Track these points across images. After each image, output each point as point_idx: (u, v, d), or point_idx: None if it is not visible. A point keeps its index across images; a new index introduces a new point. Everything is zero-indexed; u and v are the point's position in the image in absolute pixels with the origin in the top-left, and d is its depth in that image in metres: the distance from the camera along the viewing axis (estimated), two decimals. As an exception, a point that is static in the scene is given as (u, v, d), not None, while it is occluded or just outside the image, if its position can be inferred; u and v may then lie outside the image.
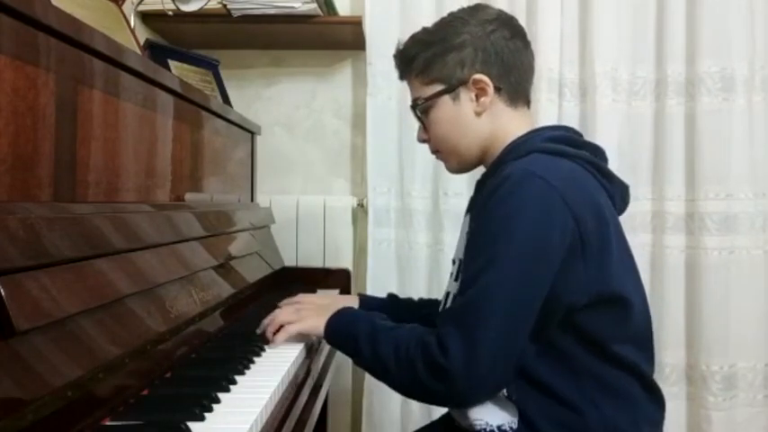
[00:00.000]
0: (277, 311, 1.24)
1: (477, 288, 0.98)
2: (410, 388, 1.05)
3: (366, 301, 1.44)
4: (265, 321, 1.22)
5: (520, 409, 1.04)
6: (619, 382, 1.06)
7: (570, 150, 1.09)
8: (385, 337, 1.06)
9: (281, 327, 1.19)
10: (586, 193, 1.04)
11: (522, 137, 1.13)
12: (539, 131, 1.14)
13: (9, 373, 0.65)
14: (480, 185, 1.18)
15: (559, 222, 0.99)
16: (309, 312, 1.21)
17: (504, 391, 1.04)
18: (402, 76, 1.23)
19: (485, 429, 1.06)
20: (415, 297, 1.70)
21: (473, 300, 0.99)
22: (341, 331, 1.13)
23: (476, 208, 1.11)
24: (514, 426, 1.04)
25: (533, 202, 0.99)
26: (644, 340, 1.12)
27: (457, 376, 0.96)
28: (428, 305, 1.42)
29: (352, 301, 1.40)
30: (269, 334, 1.19)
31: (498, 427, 1.05)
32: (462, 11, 1.18)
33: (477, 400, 1.04)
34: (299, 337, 1.21)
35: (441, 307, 1.21)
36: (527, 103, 1.20)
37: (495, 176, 1.06)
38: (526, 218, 0.99)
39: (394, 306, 1.43)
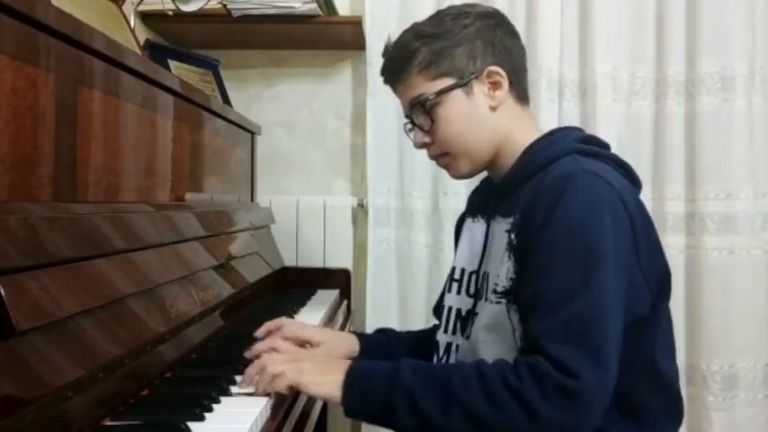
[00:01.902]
0: (265, 358, 0.98)
1: (588, 300, 0.88)
2: (518, 427, 0.86)
3: (366, 341, 1.24)
4: (250, 371, 0.95)
5: None
6: (647, 403, 1.02)
7: (602, 151, 1.06)
8: (454, 377, 0.89)
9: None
10: (630, 192, 1.01)
11: (546, 137, 1.08)
12: (562, 133, 1.09)
13: (9, 373, 0.65)
14: (505, 188, 1.08)
15: (625, 223, 0.95)
16: (310, 367, 0.95)
17: None
18: (393, 76, 1.12)
19: None
20: (416, 299, 1.67)
21: (586, 313, 0.88)
22: (376, 390, 0.91)
23: (511, 214, 1.02)
24: None
25: (605, 201, 0.94)
26: (672, 342, 1.10)
27: (591, 398, 0.85)
28: (428, 336, 1.26)
29: (350, 340, 1.23)
30: (257, 383, 0.93)
31: None
32: (459, 6, 1.14)
33: (599, 422, 0.89)
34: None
35: (443, 326, 1.14)
36: (528, 102, 1.15)
37: (535, 179, 1.00)
38: (605, 218, 0.93)
39: (395, 344, 1.26)
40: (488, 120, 1.08)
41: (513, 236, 1.00)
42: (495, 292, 1.01)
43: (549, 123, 2.00)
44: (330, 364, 0.98)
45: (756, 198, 2.01)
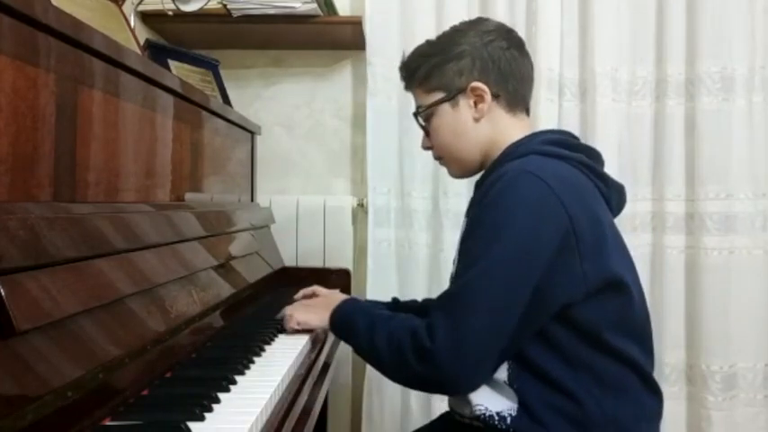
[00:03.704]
0: (292, 307, 1.36)
1: (467, 278, 1.04)
2: (400, 373, 1.10)
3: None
4: (286, 311, 1.34)
5: (520, 397, 1.06)
6: (616, 375, 1.08)
7: (566, 153, 1.13)
8: (381, 327, 1.11)
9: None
10: (579, 192, 1.09)
11: (519, 140, 1.17)
12: (536, 135, 1.19)
13: (9, 373, 0.65)
14: (478, 187, 1.21)
15: (553, 219, 1.03)
16: (316, 308, 1.31)
17: (506, 378, 1.07)
18: (407, 87, 1.28)
19: (484, 415, 1.08)
20: (417, 297, 1.69)
21: (462, 289, 1.04)
22: (342, 322, 1.20)
23: (472, 207, 1.15)
24: (513, 413, 1.06)
25: (528, 198, 1.04)
26: (642, 334, 1.14)
27: (441, 360, 1.01)
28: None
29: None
30: (285, 323, 1.32)
31: (498, 413, 1.07)
32: (463, 23, 1.25)
33: (463, 385, 1.08)
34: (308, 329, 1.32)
35: None
36: (526, 110, 1.24)
37: (492, 176, 1.10)
38: (520, 214, 1.03)
39: (397, 309, 1.45)
40: (472, 130, 1.20)
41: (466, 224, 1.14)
42: None
43: (548, 123, 2.01)
44: (326, 306, 1.25)
45: (756, 198, 2.01)
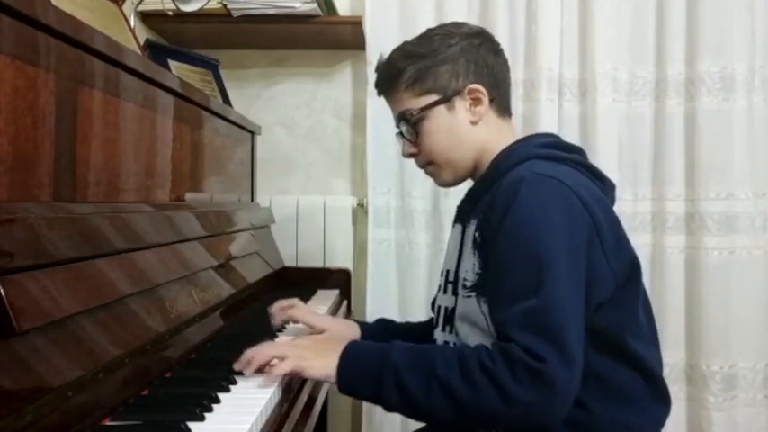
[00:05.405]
0: (267, 343, 1.06)
1: (544, 293, 0.94)
2: (491, 406, 0.92)
3: (366, 329, 1.33)
4: (249, 351, 1.01)
5: None
6: (626, 383, 1.07)
7: (563, 155, 1.12)
8: (437, 358, 0.96)
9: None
10: (590, 190, 1.07)
11: (512, 145, 1.14)
12: (528, 139, 1.17)
13: (9, 373, 0.65)
14: (474, 194, 1.17)
15: (579, 218, 1.01)
16: (310, 353, 1.02)
17: None
18: (384, 91, 1.21)
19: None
20: (416, 299, 1.69)
21: (544, 304, 0.93)
22: (366, 369, 0.99)
23: (477, 216, 1.09)
24: None
25: (556, 200, 1.00)
26: (650, 331, 1.13)
27: (557, 380, 0.91)
28: (425, 328, 1.32)
29: (351, 328, 1.32)
30: (252, 367, 0.99)
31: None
32: (444, 25, 1.21)
33: (568, 404, 0.95)
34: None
35: (438, 324, 1.19)
36: (510, 115, 1.22)
37: (497, 183, 1.06)
38: (552, 215, 0.99)
39: (392, 333, 1.33)
40: (468, 133, 1.15)
41: (476, 234, 1.08)
42: (464, 287, 1.09)
43: (549, 123, 2.01)
44: (328, 348, 1.03)
45: (757, 198, 2.01)
